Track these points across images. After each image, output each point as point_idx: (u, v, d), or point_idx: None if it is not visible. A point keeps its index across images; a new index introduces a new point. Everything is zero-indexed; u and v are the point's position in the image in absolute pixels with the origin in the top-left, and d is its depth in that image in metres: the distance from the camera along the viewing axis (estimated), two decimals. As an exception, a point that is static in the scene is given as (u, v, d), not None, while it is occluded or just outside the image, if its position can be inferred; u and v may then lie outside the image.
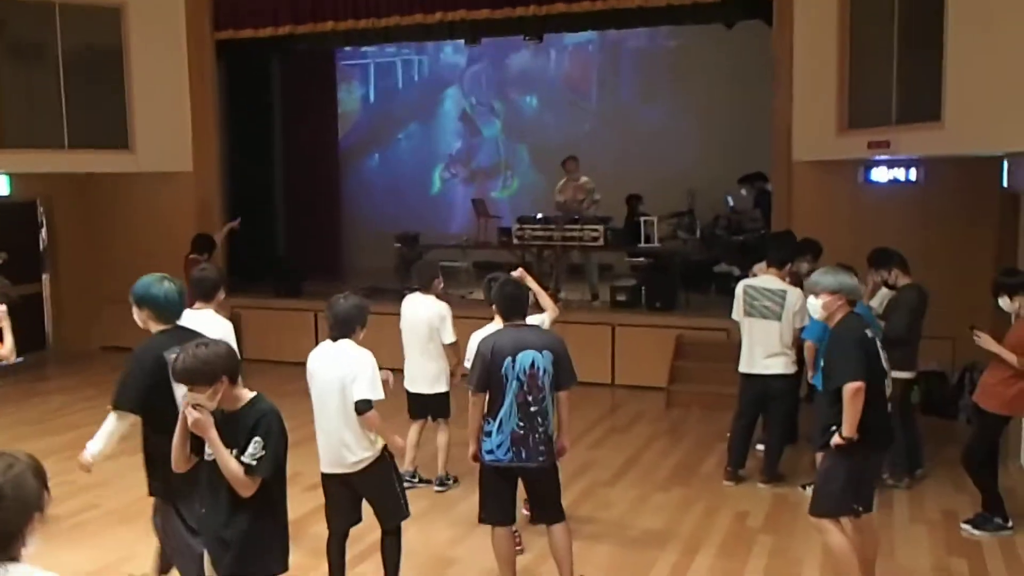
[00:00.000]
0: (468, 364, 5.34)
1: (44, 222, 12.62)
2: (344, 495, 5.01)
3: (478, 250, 12.92)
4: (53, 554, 5.45)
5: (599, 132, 14.76)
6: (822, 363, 5.19)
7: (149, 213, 12.46)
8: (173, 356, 4.16)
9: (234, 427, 3.69)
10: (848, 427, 4.76)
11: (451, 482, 7.11)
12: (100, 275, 12.42)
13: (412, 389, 7.08)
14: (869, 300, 6.94)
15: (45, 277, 12.61)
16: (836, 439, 4.81)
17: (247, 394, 3.78)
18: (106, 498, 6.89)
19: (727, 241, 11.92)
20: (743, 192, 12.30)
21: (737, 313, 7.29)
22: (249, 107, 14.41)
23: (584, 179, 12.02)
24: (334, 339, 4.96)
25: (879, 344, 4.99)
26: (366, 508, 5.09)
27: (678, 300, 10.95)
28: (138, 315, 4.78)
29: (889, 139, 8.14)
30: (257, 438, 3.64)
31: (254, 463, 3.64)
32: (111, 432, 4.58)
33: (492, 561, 5.26)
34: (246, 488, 3.66)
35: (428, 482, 7.11)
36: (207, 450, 3.73)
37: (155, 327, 4.72)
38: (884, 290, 7.12)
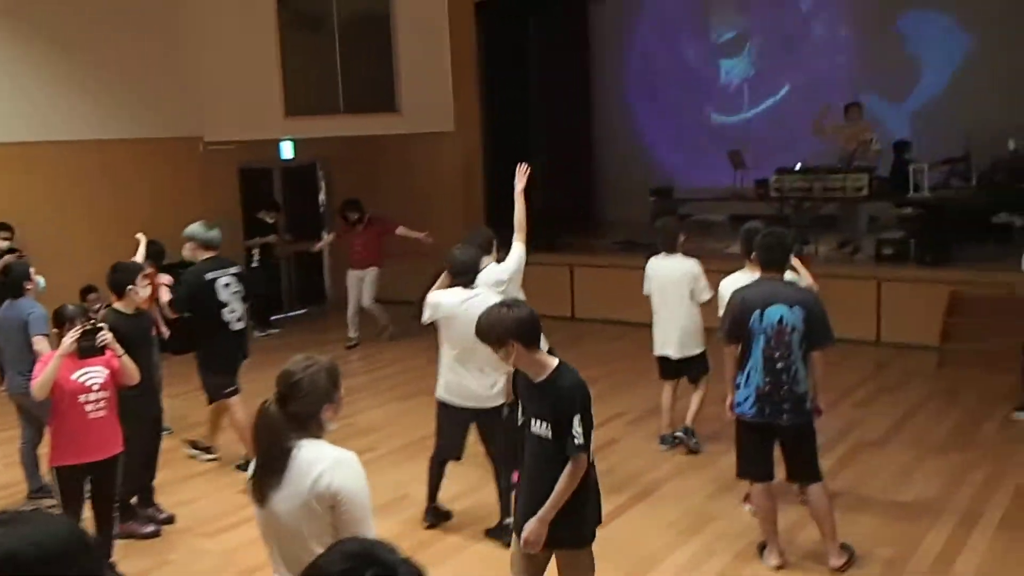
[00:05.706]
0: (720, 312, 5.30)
1: (323, 183, 13.58)
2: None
3: (735, 202, 12.64)
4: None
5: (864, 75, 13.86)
6: None
7: (415, 172, 13.10)
8: (212, 274, 6.54)
9: (541, 397, 3.65)
10: None
11: (694, 439, 6.91)
12: (372, 232, 13.19)
13: (664, 352, 6.90)
14: None
15: (324, 234, 13.55)
16: None
17: (551, 362, 3.67)
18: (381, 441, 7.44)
19: (1007, 188, 10.96)
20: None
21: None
22: (506, 67, 14.71)
23: (863, 124, 11.55)
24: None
25: None
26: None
27: (951, 253, 10.22)
28: (188, 246, 6.71)
29: None
30: (578, 415, 3.56)
31: (583, 441, 3.56)
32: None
33: (752, 517, 5.24)
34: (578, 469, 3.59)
35: (681, 440, 6.97)
36: (534, 425, 3.66)
37: (202, 255, 6.66)
38: None
